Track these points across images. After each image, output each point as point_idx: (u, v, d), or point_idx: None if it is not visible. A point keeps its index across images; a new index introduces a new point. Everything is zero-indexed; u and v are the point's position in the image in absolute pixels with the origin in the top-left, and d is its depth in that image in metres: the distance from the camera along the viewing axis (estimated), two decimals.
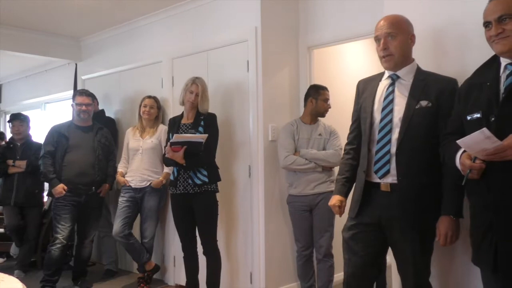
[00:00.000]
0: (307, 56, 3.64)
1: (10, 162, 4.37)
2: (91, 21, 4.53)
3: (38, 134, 5.00)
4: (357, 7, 3.30)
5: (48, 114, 6.62)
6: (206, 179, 3.17)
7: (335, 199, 2.21)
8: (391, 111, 1.96)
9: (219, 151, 3.34)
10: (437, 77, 1.98)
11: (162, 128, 3.88)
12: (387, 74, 2.07)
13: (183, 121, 3.34)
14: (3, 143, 4.54)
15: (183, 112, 3.41)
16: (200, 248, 3.32)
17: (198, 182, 3.17)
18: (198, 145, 3.08)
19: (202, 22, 3.85)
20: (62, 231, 3.76)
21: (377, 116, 2.01)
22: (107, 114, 4.60)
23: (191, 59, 3.92)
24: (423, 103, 1.91)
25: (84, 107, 3.87)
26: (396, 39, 1.96)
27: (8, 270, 4.13)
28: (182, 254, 3.44)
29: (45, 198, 4.70)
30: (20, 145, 4.46)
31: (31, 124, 4.68)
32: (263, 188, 3.40)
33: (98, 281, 4.17)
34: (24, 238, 4.46)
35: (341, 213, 2.21)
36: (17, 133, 4.47)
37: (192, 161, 3.15)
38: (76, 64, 5.32)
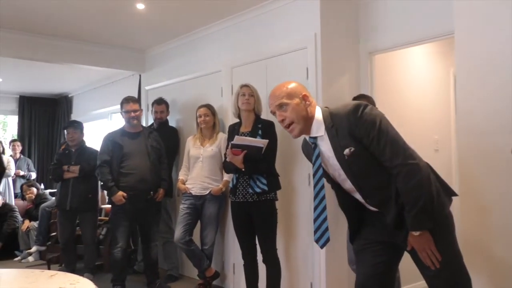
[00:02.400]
0: (368, 62, 3.55)
1: (65, 167, 4.49)
2: (155, 34, 4.72)
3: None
4: (420, 10, 3.18)
5: (114, 123, 6.95)
6: (265, 188, 3.17)
7: None
8: (321, 176, 1.94)
9: (278, 158, 3.34)
10: (340, 114, 1.86)
11: (222, 136, 3.94)
12: (307, 139, 2.01)
13: (242, 129, 3.38)
14: (62, 149, 4.74)
15: (241, 121, 3.45)
16: (260, 256, 3.32)
17: (258, 190, 3.17)
18: (258, 150, 3.09)
19: (261, 31, 3.88)
20: (121, 239, 3.92)
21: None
22: (169, 123, 4.76)
23: (250, 67, 3.95)
24: (346, 151, 1.83)
25: (132, 114, 4.01)
26: (288, 108, 1.90)
27: (77, 273, 4.36)
28: (241, 262, 3.45)
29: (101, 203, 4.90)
30: (75, 151, 4.57)
31: (85, 131, 4.79)
32: None
33: None
34: (83, 242, 4.61)
35: None
36: (72, 139, 4.58)
37: (251, 167, 3.16)
38: (140, 75, 5.56)
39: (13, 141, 7.17)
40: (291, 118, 1.91)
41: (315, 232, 2.00)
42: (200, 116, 3.93)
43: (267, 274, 3.26)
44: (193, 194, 3.90)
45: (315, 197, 1.99)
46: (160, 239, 4.41)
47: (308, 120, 1.91)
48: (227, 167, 3.38)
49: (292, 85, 1.96)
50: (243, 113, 3.38)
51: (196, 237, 3.97)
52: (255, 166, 3.16)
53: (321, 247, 2.02)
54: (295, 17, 3.57)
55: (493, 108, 2.38)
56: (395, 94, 3.83)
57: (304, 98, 1.92)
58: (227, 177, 3.86)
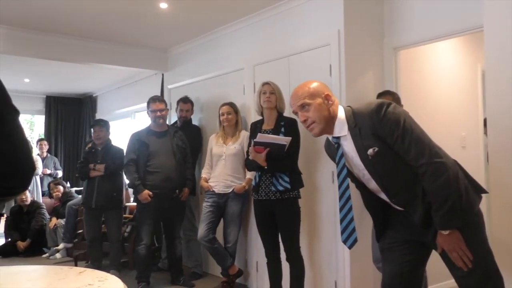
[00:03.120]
0: (393, 57, 3.49)
1: (91, 166, 4.54)
2: (178, 32, 4.75)
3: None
4: (448, 3, 3.10)
5: (137, 122, 7.03)
6: (288, 186, 3.15)
7: None
8: (345, 176, 1.92)
9: (301, 156, 3.32)
10: (363, 113, 1.84)
11: (245, 134, 3.93)
12: (330, 138, 1.98)
13: (264, 127, 3.37)
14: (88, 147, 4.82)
15: (263, 118, 3.44)
16: (283, 254, 3.30)
17: (281, 188, 3.16)
18: (281, 147, 3.08)
19: (283, 28, 3.86)
20: (146, 236, 3.97)
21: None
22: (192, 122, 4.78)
23: (273, 65, 3.94)
24: (370, 151, 1.81)
25: (159, 113, 4.05)
26: (310, 108, 1.89)
27: (103, 270, 4.43)
28: (265, 260, 3.44)
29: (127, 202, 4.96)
30: (101, 150, 4.62)
31: (111, 129, 4.84)
32: None
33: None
34: (108, 240, 4.67)
35: None
36: (98, 138, 4.64)
37: (274, 165, 3.15)
38: (162, 74, 5.61)
39: (40, 140, 7.34)
40: (313, 118, 1.89)
41: (342, 232, 1.98)
42: (223, 114, 3.94)
43: (291, 273, 3.25)
44: (216, 192, 3.91)
45: (340, 198, 1.96)
46: (183, 237, 4.45)
47: (330, 120, 1.90)
48: (249, 165, 3.37)
49: (314, 85, 1.94)
50: (266, 111, 3.38)
51: (219, 235, 3.98)
52: (277, 164, 3.15)
53: (349, 247, 2.00)
54: (318, 13, 3.54)
55: None
56: (420, 90, 3.76)
57: (327, 97, 1.90)
58: (250, 175, 3.86)
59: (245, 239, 4.20)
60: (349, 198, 1.94)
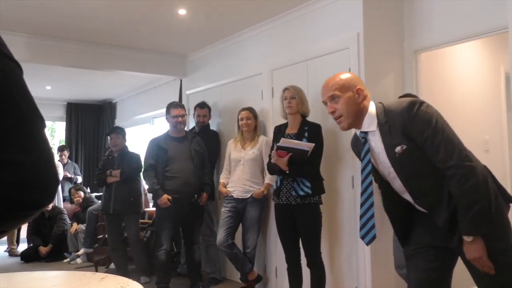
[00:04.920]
0: (414, 60, 3.44)
1: (108, 172, 4.60)
2: (196, 38, 4.78)
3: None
4: (469, 5, 3.05)
5: (156, 128, 7.09)
6: (309, 191, 3.13)
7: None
8: (369, 172, 1.88)
9: (322, 161, 3.28)
10: (395, 111, 1.79)
11: (263, 139, 3.92)
12: (357, 133, 1.94)
13: (288, 131, 3.35)
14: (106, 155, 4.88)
15: (287, 122, 3.43)
16: (304, 260, 3.27)
17: (301, 193, 3.13)
18: (303, 153, 3.05)
19: (301, 32, 3.85)
20: (165, 241, 3.98)
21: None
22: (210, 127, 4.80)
23: (291, 69, 3.93)
24: (398, 149, 1.76)
25: (180, 119, 4.08)
26: (339, 100, 1.86)
27: (131, 276, 4.48)
28: (284, 265, 3.41)
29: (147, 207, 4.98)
30: (117, 156, 4.68)
31: (127, 136, 4.88)
32: None
33: None
34: (129, 245, 4.70)
35: None
36: (114, 144, 4.69)
37: (296, 170, 3.13)
38: (181, 80, 5.64)
39: (60, 150, 7.45)
40: (342, 111, 1.86)
41: (361, 228, 1.94)
42: (242, 119, 3.94)
43: (311, 279, 3.22)
44: (235, 197, 3.90)
45: (362, 193, 1.92)
46: (202, 242, 4.45)
47: (359, 114, 1.86)
48: (271, 168, 3.35)
49: (346, 77, 1.91)
50: (289, 115, 3.36)
51: (238, 240, 3.97)
52: (299, 169, 3.12)
53: (367, 243, 1.96)
54: (336, 17, 3.52)
55: None
56: (441, 93, 3.70)
57: (358, 91, 1.86)
58: (268, 180, 3.85)
59: (264, 245, 4.18)
60: (371, 194, 1.90)
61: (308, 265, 3.22)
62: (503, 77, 4.11)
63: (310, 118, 3.40)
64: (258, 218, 3.92)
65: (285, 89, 3.39)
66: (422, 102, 1.78)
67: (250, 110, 3.97)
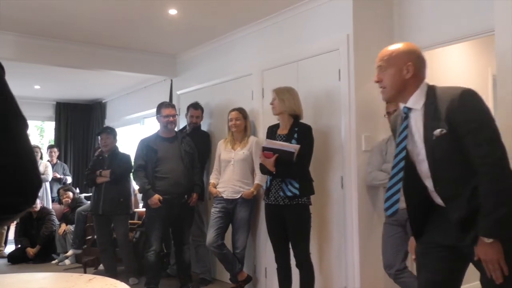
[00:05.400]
0: None
1: (98, 172, 4.57)
2: (187, 38, 4.77)
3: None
4: (457, 7, 3.08)
5: (146, 128, 7.06)
6: (297, 192, 3.13)
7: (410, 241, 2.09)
8: (405, 147, 1.85)
9: (312, 162, 3.29)
10: (446, 94, 1.77)
11: (253, 140, 3.93)
12: (401, 107, 1.94)
13: (279, 131, 3.35)
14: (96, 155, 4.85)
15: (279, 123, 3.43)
16: (293, 260, 3.28)
17: (289, 194, 3.14)
18: (289, 155, 3.06)
19: (291, 33, 3.86)
20: (155, 242, 3.96)
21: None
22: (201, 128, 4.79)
23: (281, 70, 3.93)
24: (437, 132, 1.74)
25: (171, 118, 4.07)
26: (386, 72, 1.87)
27: (120, 277, 4.45)
28: (273, 266, 3.42)
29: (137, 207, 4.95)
30: (108, 156, 4.66)
31: (117, 137, 4.85)
32: (356, 200, 3.28)
33: None
34: (118, 246, 4.68)
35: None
36: (105, 145, 4.67)
37: (283, 171, 3.14)
38: (171, 80, 5.63)
39: (50, 147, 7.39)
40: (385, 83, 1.88)
41: (386, 200, 1.91)
42: (231, 120, 3.94)
43: (300, 279, 3.23)
44: (225, 197, 3.90)
45: (393, 167, 1.89)
46: (192, 242, 4.44)
47: (403, 90, 1.86)
48: (261, 168, 3.36)
49: (399, 49, 1.89)
50: (279, 116, 3.36)
51: (227, 240, 3.97)
52: (286, 170, 3.13)
53: (389, 215, 1.97)
54: (327, 18, 3.53)
55: None
56: None
57: (408, 67, 1.84)
58: (258, 180, 3.86)
59: (254, 245, 4.18)
60: (402, 169, 1.86)
61: (297, 265, 3.23)
62: (490, 79, 4.16)
63: (306, 118, 3.39)
64: (248, 218, 3.92)
65: (273, 93, 3.39)
66: (476, 93, 1.74)
67: (240, 110, 3.97)
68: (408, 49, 1.89)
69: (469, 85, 3.87)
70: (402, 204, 3.00)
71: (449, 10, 3.14)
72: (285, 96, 3.29)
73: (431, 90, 1.83)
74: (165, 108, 4.10)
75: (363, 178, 3.29)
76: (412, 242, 2.04)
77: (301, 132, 3.21)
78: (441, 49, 3.65)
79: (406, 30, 3.44)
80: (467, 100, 1.71)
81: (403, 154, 1.85)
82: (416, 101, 1.85)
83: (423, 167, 1.85)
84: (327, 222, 3.51)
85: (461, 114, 1.70)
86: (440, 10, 3.20)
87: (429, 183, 1.86)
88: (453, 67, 4.00)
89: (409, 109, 1.86)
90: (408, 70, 1.84)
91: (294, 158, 3.08)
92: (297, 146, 3.09)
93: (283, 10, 3.86)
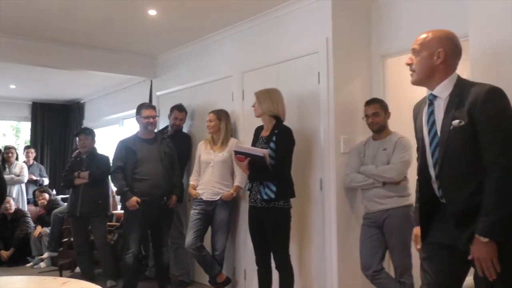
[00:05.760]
0: (381, 65, 3.52)
1: (76, 174, 4.51)
2: (167, 39, 4.74)
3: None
4: (434, 13, 3.15)
5: (125, 129, 6.98)
6: (272, 196, 3.11)
7: (414, 230, 2.08)
8: (436, 133, 1.85)
9: (292, 162, 3.30)
10: (473, 88, 1.76)
11: (233, 142, 3.93)
12: (427, 93, 1.96)
13: (262, 133, 3.35)
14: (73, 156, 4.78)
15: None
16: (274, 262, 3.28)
17: (265, 197, 3.14)
18: (260, 158, 3.07)
19: (272, 36, 3.87)
20: (133, 244, 3.92)
21: (426, 139, 1.91)
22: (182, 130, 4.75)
23: (261, 72, 3.94)
24: (455, 122, 1.75)
25: (151, 120, 4.03)
26: (418, 55, 1.89)
27: (97, 280, 4.37)
28: (252, 267, 3.42)
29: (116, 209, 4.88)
30: (86, 158, 4.59)
31: (96, 138, 4.80)
32: (335, 202, 3.30)
33: None
34: (96, 248, 4.61)
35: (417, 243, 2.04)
36: (83, 146, 4.61)
37: (258, 174, 3.16)
38: (151, 81, 5.58)
39: (27, 147, 7.24)
40: (415, 66, 1.90)
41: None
42: (207, 121, 3.97)
43: (280, 281, 3.23)
44: (204, 199, 3.89)
45: (432, 155, 1.87)
46: (171, 244, 4.41)
47: (431, 75, 1.87)
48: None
49: (434, 35, 1.89)
50: (261, 118, 3.35)
51: (207, 242, 3.95)
52: (261, 173, 3.14)
53: None
54: (306, 21, 3.56)
55: None
56: (408, 98, 3.76)
57: (439, 53, 1.84)
58: (238, 182, 3.86)
59: (233, 247, 4.17)
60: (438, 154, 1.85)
61: (277, 267, 3.23)
62: None
63: (290, 120, 3.39)
64: (227, 220, 3.91)
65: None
66: (503, 93, 1.73)
67: (216, 112, 3.98)
68: (443, 36, 1.89)
69: None
70: (379, 206, 3.07)
71: (424, 16, 3.20)
72: (264, 98, 3.28)
73: (460, 82, 1.85)
74: (146, 109, 4.07)
75: (341, 180, 3.32)
76: (416, 233, 2.03)
77: (279, 134, 3.21)
78: None
79: (383, 34, 3.49)
80: (492, 98, 1.71)
81: (437, 139, 1.85)
82: (443, 90, 1.86)
83: (434, 155, 1.85)
84: (307, 223, 3.53)
85: (483, 110, 1.69)
86: (415, 16, 3.26)
87: (432, 171, 1.87)
88: None
89: (435, 97, 1.88)
90: (438, 56, 1.85)
91: (267, 161, 3.07)
92: (266, 151, 3.09)
93: (263, 13, 3.87)
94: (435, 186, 1.88)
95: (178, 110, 4.56)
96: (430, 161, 1.88)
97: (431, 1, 3.18)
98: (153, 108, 4.16)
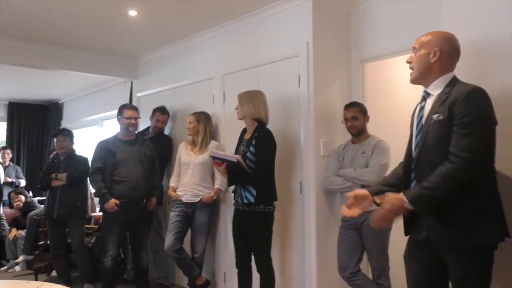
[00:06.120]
0: (360, 69, 3.56)
1: (53, 175, 4.43)
2: (147, 40, 4.70)
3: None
4: (411, 19, 3.20)
5: (105, 130, 6.90)
6: (252, 200, 3.11)
7: (354, 192, 2.10)
8: (422, 126, 1.93)
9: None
10: (459, 87, 1.84)
11: (214, 144, 3.92)
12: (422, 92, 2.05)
13: (245, 136, 3.34)
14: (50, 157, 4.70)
15: None
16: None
17: (245, 201, 3.15)
18: (235, 164, 3.07)
19: (252, 39, 3.88)
20: (112, 247, 3.87)
21: (414, 132, 2.01)
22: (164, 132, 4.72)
23: (242, 75, 3.95)
24: (435, 116, 1.84)
25: (133, 121, 4.00)
26: (417, 54, 1.97)
27: (74, 283, 4.28)
28: (232, 270, 3.41)
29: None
30: (64, 159, 4.52)
31: (74, 139, 4.72)
32: (314, 205, 3.33)
33: None
34: (73, 251, 4.53)
35: (348, 207, 2.09)
36: (61, 147, 4.54)
37: (235, 178, 3.16)
38: (131, 82, 5.53)
39: (3, 148, 7.08)
40: (414, 64, 1.98)
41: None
42: (187, 123, 3.96)
43: (260, 284, 3.22)
44: (184, 201, 3.87)
45: (415, 147, 1.95)
46: (150, 247, 4.37)
47: (427, 74, 1.94)
48: None
49: (433, 35, 1.95)
50: (244, 121, 3.34)
51: (186, 244, 3.93)
52: (240, 177, 3.14)
53: None
54: (287, 25, 3.58)
55: None
56: (387, 101, 3.84)
57: (435, 53, 1.90)
58: (218, 185, 3.85)
59: (213, 249, 4.16)
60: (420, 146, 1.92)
61: (258, 270, 3.23)
62: None
63: (274, 122, 3.41)
64: (207, 222, 3.90)
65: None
66: (485, 93, 1.79)
67: (195, 114, 3.99)
68: (441, 36, 1.95)
69: (422, 91, 3.95)
70: None
71: (401, 22, 3.27)
72: (245, 101, 3.27)
73: (453, 82, 1.90)
74: (128, 110, 4.03)
75: (321, 183, 3.35)
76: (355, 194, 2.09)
77: (258, 138, 3.18)
78: (396, 58, 3.77)
79: (363, 39, 3.54)
80: (473, 97, 1.77)
81: (419, 131, 1.93)
82: (435, 88, 1.93)
83: (417, 148, 1.93)
84: (288, 226, 3.54)
85: (461, 106, 1.76)
86: (393, 23, 3.32)
87: (413, 161, 1.94)
88: (407, 75, 4.12)
89: (428, 94, 1.96)
90: (434, 54, 1.91)
91: (243, 166, 3.07)
92: (238, 157, 3.09)
93: (244, 16, 3.88)
94: (412, 175, 1.94)
95: (161, 112, 4.53)
96: (413, 151, 1.96)
97: (410, 6, 3.24)
98: (135, 109, 4.13)
